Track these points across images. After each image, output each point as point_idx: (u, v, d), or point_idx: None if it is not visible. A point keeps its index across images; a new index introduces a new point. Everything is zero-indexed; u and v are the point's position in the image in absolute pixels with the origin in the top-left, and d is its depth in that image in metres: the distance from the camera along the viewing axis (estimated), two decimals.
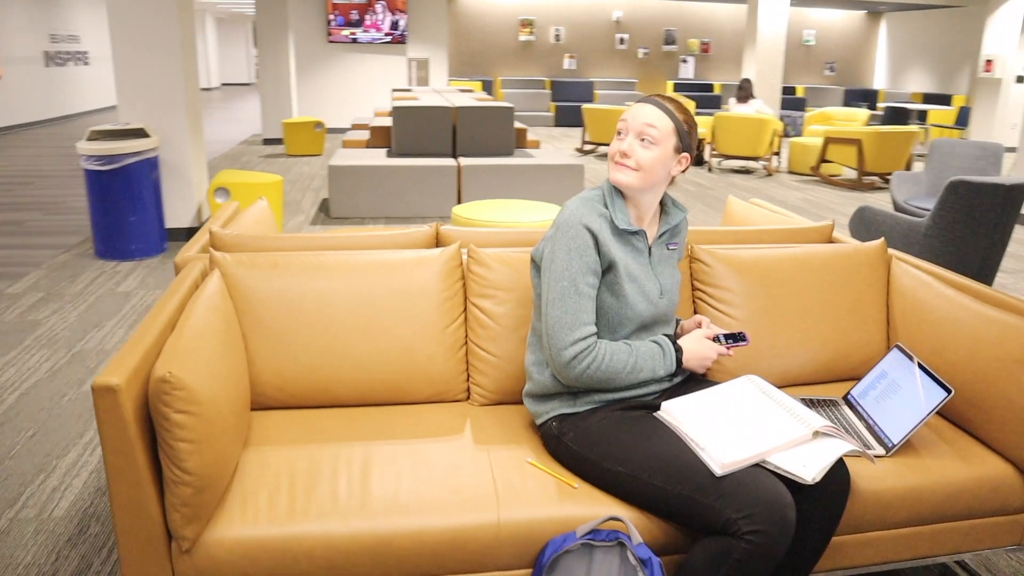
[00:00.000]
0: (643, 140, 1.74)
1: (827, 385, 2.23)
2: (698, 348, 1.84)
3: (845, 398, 2.09)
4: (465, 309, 2.10)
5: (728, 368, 2.16)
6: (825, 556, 1.78)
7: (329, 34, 12.74)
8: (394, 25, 12.82)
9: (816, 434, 1.60)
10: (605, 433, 1.70)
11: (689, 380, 1.89)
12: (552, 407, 1.82)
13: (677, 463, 1.59)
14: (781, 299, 2.19)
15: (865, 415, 1.98)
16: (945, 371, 2.02)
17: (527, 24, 15.20)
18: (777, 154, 9.46)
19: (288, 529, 1.56)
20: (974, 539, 1.87)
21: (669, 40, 15.29)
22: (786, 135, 12.61)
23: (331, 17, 12.65)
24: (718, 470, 1.53)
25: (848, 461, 1.78)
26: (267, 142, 11.56)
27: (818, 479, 1.52)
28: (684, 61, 15.49)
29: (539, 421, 1.84)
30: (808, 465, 1.53)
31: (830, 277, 2.23)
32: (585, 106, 10.56)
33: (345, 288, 2.02)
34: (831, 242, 2.52)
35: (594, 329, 1.73)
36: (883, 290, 2.29)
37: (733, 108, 9.37)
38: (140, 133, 5.16)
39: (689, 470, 1.56)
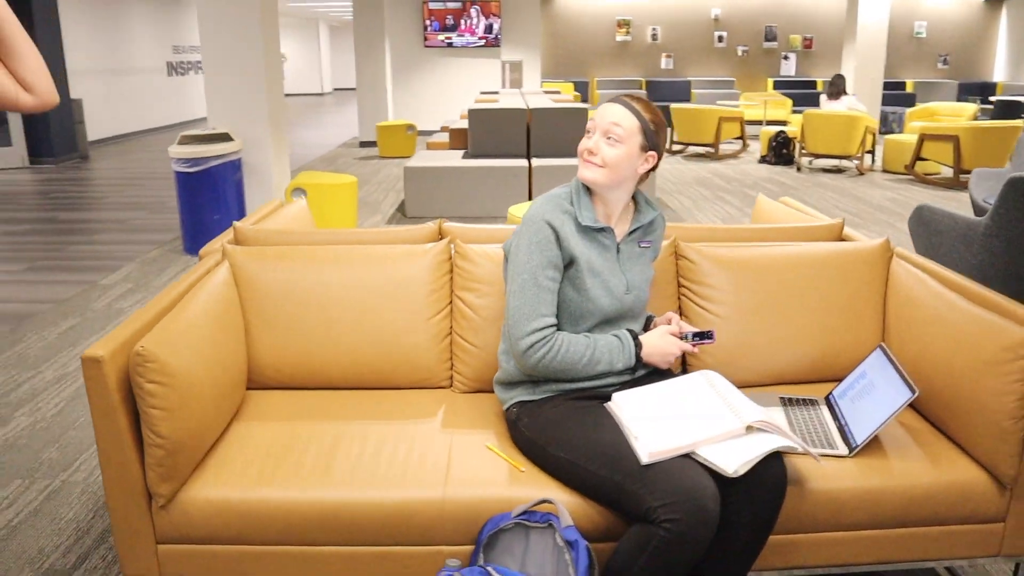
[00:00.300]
0: (609, 138, 1.80)
1: (816, 385, 2.21)
2: (660, 344, 1.88)
3: (827, 398, 2.07)
4: (451, 301, 2.21)
5: (708, 364, 2.17)
6: (777, 554, 1.78)
7: (425, 39, 13.13)
8: (488, 29, 13.08)
9: (749, 428, 1.61)
10: (555, 420, 1.78)
11: (653, 374, 1.93)
12: (515, 394, 1.90)
13: (612, 451, 1.64)
14: (769, 297, 2.19)
15: (840, 415, 1.97)
16: (926, 372, 1.97)
17: (623, 24, 15.14)
18: (871, 152, 9.07)
19: (254, 493, 1.71)
20: (946, 547, 1.83)
21: (769, 37, 14.86)
22: (888, 132, 12.03)
23: (427, 22, 13.03)
24: (645, 458, 1.58)
25: (803, 460, 1.78)
26: (363, 144, 12.03)
27: (740, 472, 1.54)
28: (785, 58, 15.02)
29: (504, 407, 1.93)
30: (732, 458, 1.55)
31: (823, 275, 2.21)
32: (673, 105, 10.45)
33: (340, 279, 2.17)
34: (842, 240, 2.47)
35: (552, 321, 1.80)
36: (881, 289, 2.24)
37: (824, 105, 9.05)
38: (224, 137, 5.55)
39: (622, 458, 1.62)
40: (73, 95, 10.83)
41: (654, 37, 15.15)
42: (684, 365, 2.23)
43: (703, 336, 1.90)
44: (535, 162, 6.86)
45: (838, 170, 9.16)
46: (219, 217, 5.53)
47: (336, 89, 28.84)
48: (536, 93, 9.80)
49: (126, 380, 1.67)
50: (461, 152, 7.64)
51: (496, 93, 10.52)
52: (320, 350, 2.15)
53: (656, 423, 1.66)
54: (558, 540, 1.59)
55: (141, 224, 6.60)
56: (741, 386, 2.19)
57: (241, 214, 5.80)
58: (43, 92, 1.52)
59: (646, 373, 1.93)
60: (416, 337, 2.16)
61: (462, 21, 13.07)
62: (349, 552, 1.73)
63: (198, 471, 1.78)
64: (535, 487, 1.73)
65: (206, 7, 5.55)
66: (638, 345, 1.86)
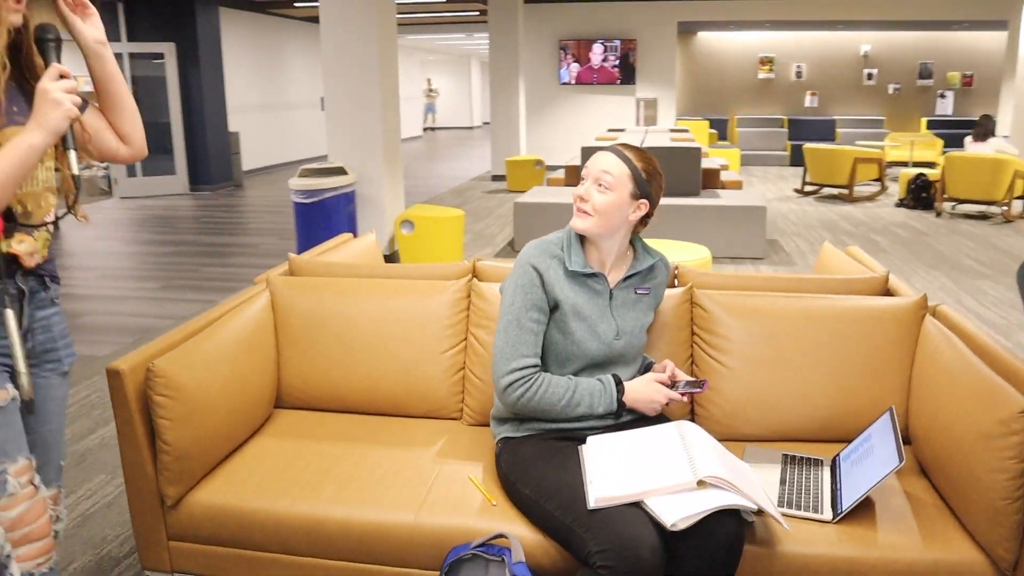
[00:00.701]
0: (600, 185, 1.86)
1: (829, 444, 2.12)
2: (645, 390, 1.89)
3: (833, 459, 1.99)
4: (466, 337, 2.31)
5: (714, 415, 2.14)
6: None
7: (560, 76, 13.42)
8: (624, 66, 13.18)
9: (702, 484, 1.59)
10: (529, 458, 1.83)
11: (640, 420, 1.94)
12: (502, 430, 1.97)
13: (568, 492, 1.67)
14: (784, 350, 2.13)
15: (839, 478, 1.89)
16: (933, 440, 1.86)
17: (767, 61, 14.79)
18: (1022, 199, 8.35)
19: (249, 502, 1.88)
20: None
21: (924, 74, 14.01)
22: None
23: (562, 59, 13.31)
24: (592, 503, 1.60)
25: (776, 522, 1.72)
26: (494, 178, 12.41)
27: (679, 526, 1.52)
28: (942, 96, 14.09)
29: (495, 442, 2.00)
30: (675, 511, 1.54)
31: (845, 331, 2.13)
32: (807, 145, 10.09)
33: (365, 310, 2.33)
34: (888, 294, 2.35)
35: (533, 361, 1.86)
36: (911, 348, 2.12)
37: (968, 147, 8.44)
38: (339, 171, 5.95)
39: (575, 501, 1.65)
40: (231, 128, 11.90)
41: (798, 74, 14.70)
42: (692, 415, 2.21)
43: (694, 385, 1.89)
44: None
45: (983, 216, 8.50)
46: None
47: (485, 123, 29.84)
48: (660, 131, 9.78)
49: (144, 392, 1.88)
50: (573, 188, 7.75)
51: (622, 131, 10.58)
52: (342, 376, 2.31)
53: (613, 469, 1.67)
54: (508, 574, 1.64)
55: (269, 249, 7.17)
56: (746, 440, 2.14)
57: None
58: (137, 145, 1.68)
59: (633, 419, 1.94)
60: (430, 369, 2.28)
61: (597, 58, 13.26)
62: (330, 565, 1.86)
63: (208, 477, 1.97)
64: (502, 521, 1.78)
65: (329, 52, 6.01)
66: (620, 390, 1.88)
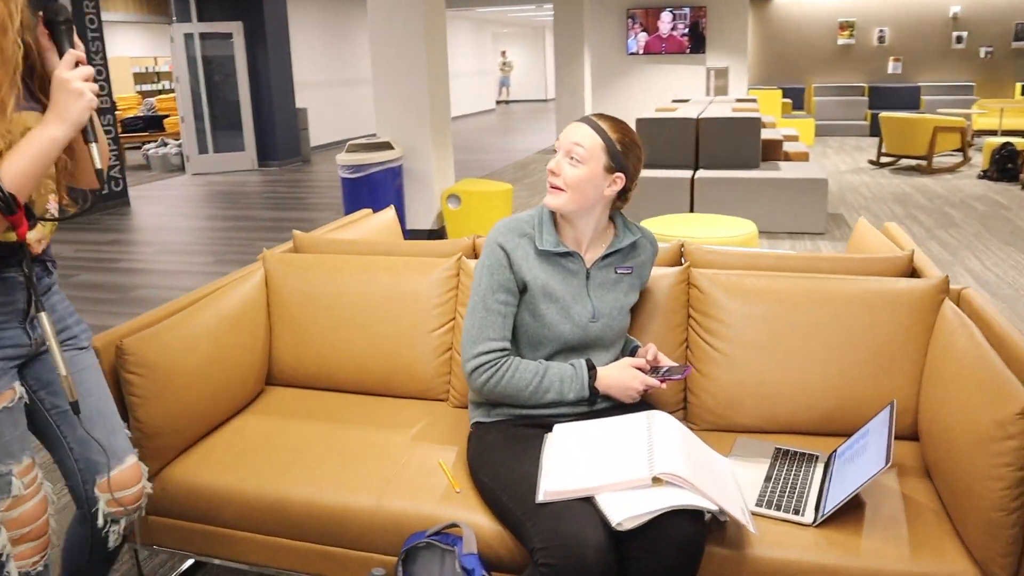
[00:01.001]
0: (572, 158, 1.75)
1: (829, 438, 1.97)
2: (620, 376, 1.79)
3: (830, 456, 1.85)
4: (455, 317, 2.25)
5: (706, 404, 2.02)
6: None
7: (627, 46, 13.08)
8: (693, 34, 12.74)
9: (657, 481, 1.49)
10: (492, 445, 1.76)
11: (617, 408, 1.84)
12: (475, 415, 1.90)
13: (523, 484, 1.60)
14: (785, 334, 1.99)
15: (829, 477, 1.75)
16: (935, 439, 1.70)
17: (847, 26, 14.04)
18: None
19: (220, 480, 1.88)
20: None
21: (1021, 35, 13.03)
22: None
23: (630, 28, 12.97)
24: (540, 496, 1.52)
25: (753, 523, 1.60)
26: None
27: (625, 526, 1.43)
28: None
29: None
30: (623, 509, 1.44)
31: (854, 315, 1.96)
32: (883, 114, 9.54)
33: (355, 288, 2.29)
34: (913, 276, 2.16)
35: (500, 345, 1.79)
36: (926, 336, 1.94)
37: None
38: (386, 146, 5.95)
39: (527, 492, 1.57)
40: (299, 104, 12.09)
41: (881, 39, 13.90)
42: (685, 403, 2.09)
43: (675, 371, 1.78)
44: (701, 173, 6.62)
45: None
46: None
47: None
48: (724, 102, 9.42)
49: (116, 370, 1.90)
50: None
51: (686, 101, 10.25)
52: (331, 354, 2.28)
53: (569, 461, 1.59)
54: (457, 565, 1.58)
55: (324, 224, 7.25)
56: (740, 432, 2.01)
57: (401, 217, 6.18)
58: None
59: (610, 407, 1.84)
60: (417, 349, 2.23)
61: (666, 27, 12.85)
62: (296, 546, 1.84)
63: (185, 454, 1.98)
64: (462, 508, 1.72)
65: (376, 26, 5.98)
66: (593, 376, 1.78)
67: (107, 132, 8.26)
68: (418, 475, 1.84)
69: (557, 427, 1.73)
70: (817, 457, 1.85)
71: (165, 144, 11.56)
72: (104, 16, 10.82)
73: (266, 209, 8.08)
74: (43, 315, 1.42)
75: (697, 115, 7.11)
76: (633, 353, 1.94)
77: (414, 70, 6.02)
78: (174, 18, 11.17)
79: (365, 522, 1.76)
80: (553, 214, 1.84)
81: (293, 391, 2.32)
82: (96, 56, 8.04)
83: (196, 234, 6.97)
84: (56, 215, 1.52)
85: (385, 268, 2.31)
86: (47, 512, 1.54)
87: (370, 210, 3.32)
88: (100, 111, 8.14)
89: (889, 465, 1.53)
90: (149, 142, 12.31)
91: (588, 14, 12.63)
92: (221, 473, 1.89)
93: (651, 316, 2.09)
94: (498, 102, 24.87)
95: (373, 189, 5.88)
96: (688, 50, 12.83)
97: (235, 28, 10.70)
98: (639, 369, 1.80)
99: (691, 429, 2.04)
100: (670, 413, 2.08)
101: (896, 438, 1.92)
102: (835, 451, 1.85)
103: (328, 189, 9.29)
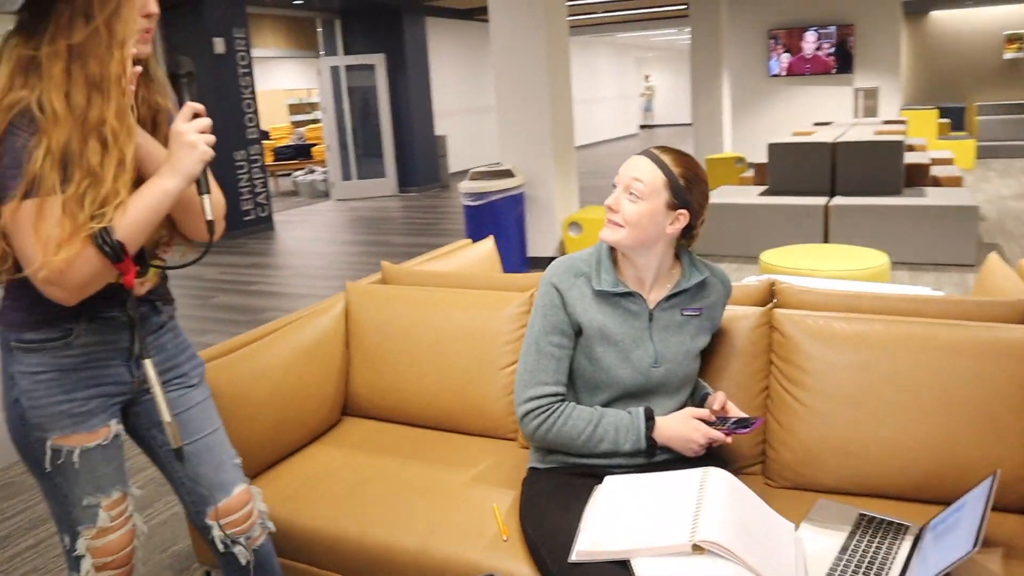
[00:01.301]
0: (630, 194, 1.67)
1: (926, 506, 1.75)
2: (681, 428, 1.68)
3: (922, 528, 1.64)
4: None
5: (784, 460, 1.85)
6: None
7: (769, 68, 12.60)
8: (840, 53, 12.10)
9: (697, 549, 1.36)
10: (541, 493, 1.69)
11: (680, 461, 1.71)
12: (532, 459, 1.84)
13: (562, 538, 1.52)
14: (874, 385, 1.79)
15: (917, 555, 1.55)
16: None
17: (1015, 39, 12.88)
18: None
19: (275, 510, 1.91)
20: None
21: None
22: None
23: (771, 49, 12.49)
24: (573, 555, 1.44)
25: None
26: None
27: None
28: None
29: None
30: None
31: (959, 366, 1.74)
32: None
33: (427, 322, 2.29)
34: None
35: (554, 390, 1.72)
36: None
37: None
38: (507, 174, 6.00)
39: (564, 549, 1.49)
40: (438, 132, 12.49)
41: None
42: (763, 456, 1.93)
43: (744, 424, 1.65)
44: (837, 200, 6.23)
45: None
46: (500, 246, 5.99)
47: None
48: (868, 124, 8.85)
49: None
50: (763, 188, 7.23)
51: (828, 124, 9.71)
52: (404, 387, 2.29)
53: (611, 519, 1.49)
54: None
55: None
56: (821, 492, 1.83)
57: (522, 244, 6.21)
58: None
59: (671, 459, 1.72)
60: (487, 386, 2.19)
61: (810, 47, 12.28)
62: None
63: (253, 481, 2.03)
64: (507, 557, 1.66)
65: (499, 54, 6.08)
66: (651, 426, 1.68)
67: (254, 162, 8.86)
68: (469, 518, 1.79)
69: (608, 479, 1.64)
70: (907, 528, 1.64)
71: (312, 171, 12.27)
72: (257, 52, 11.67)
73: (401, 235, 8.36)
74: (147, 362, 1.43)
75: (834, 139, 6.71)
76: (702, 402, 1.81)
77: (536, 98, 6.05)
78: (322, 51, 11.88)
79: (410, 563, 1.74)
80: (613, 251, 1.76)
81: (368, 423, 2.35)
82: (246, 90, 8.67)
83: (331, 259, 7.30)
84: (166, 263, 1.55)
85: (459, 302, 2.30)
86: (132, 543, 1.57)
87: (470, 240, 3.34)
88: (248, 142, 8.78)
89: (976, 550, 1.33)
90: (298, 169, 13.10)
91: (727, 36, 12.28)
92: (280, 503, 1.93)
93: (728, 360, 1.95)
94: (641, 127, 24.65)
95: (495, 216, 5.95)
96: (834, 70, 12.19)
97: (378, 60, 11.23)
98: (703, 420, 1.68)
99: (768, 487, 1.89)
100: (746, 468, 1.94)
101: (1006, 511, 1.68)
102: (928, 523, 1.63)
103: (461, 215, 9.50)
